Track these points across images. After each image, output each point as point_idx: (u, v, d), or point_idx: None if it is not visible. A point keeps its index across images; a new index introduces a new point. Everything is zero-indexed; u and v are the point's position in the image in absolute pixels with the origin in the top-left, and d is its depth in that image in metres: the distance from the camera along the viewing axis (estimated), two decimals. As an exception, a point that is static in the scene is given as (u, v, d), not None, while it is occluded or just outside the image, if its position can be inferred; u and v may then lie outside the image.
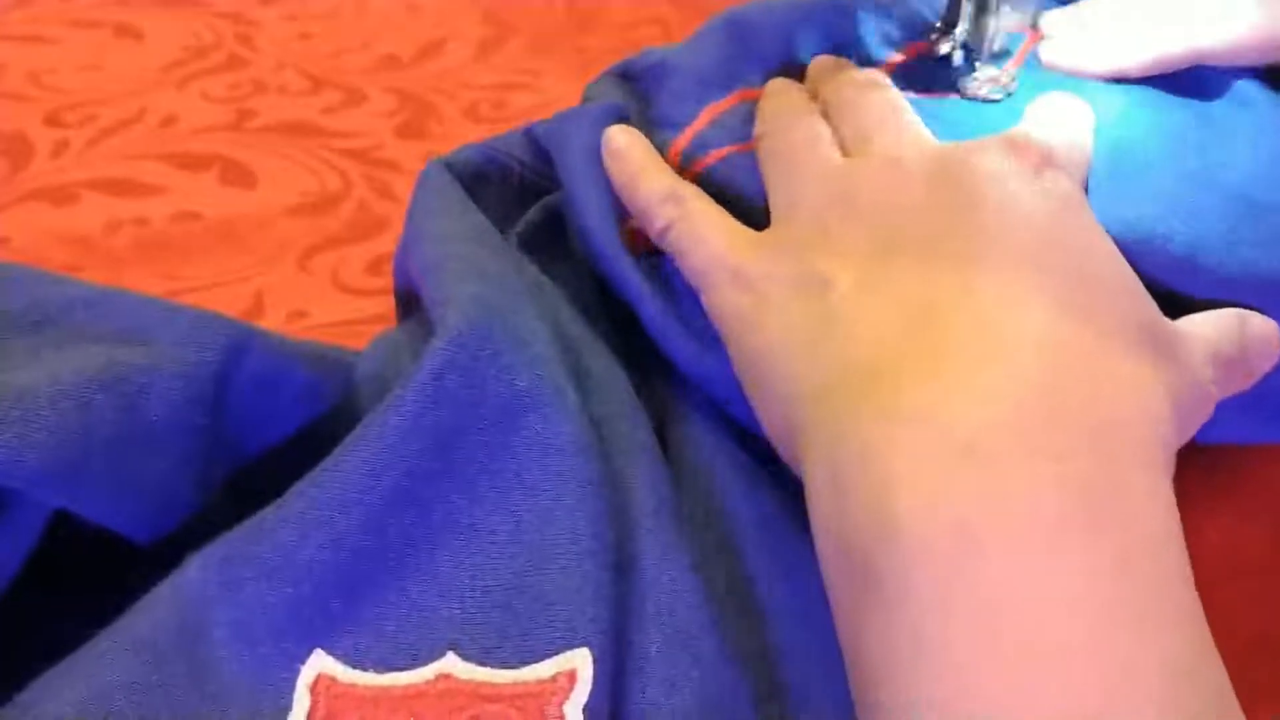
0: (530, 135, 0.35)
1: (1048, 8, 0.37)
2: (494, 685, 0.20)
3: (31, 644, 0.21)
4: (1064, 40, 0.34)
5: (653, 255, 0.31)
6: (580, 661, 0.20)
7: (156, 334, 0.24)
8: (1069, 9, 0.35)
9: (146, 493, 0.22)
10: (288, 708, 0.20)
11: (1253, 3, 0.30)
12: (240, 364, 0.24)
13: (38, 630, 0.21)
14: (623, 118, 0.33)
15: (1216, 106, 0.31)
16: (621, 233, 0.31)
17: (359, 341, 0.32)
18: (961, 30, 0.35)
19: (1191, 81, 0.31)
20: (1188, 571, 0.19)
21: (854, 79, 0.31)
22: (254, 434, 0.25)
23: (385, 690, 0.20)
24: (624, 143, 0.31)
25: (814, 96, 0.32)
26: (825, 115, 0.30)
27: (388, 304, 0.40)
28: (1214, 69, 0.31)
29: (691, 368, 0.28)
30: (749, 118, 0.32)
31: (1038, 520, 0.19)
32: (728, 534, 0.25)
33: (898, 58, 0.36)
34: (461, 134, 0.53)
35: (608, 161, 0.31)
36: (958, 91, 0.35)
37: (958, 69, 0.35)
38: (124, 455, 0.22)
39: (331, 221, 0.46)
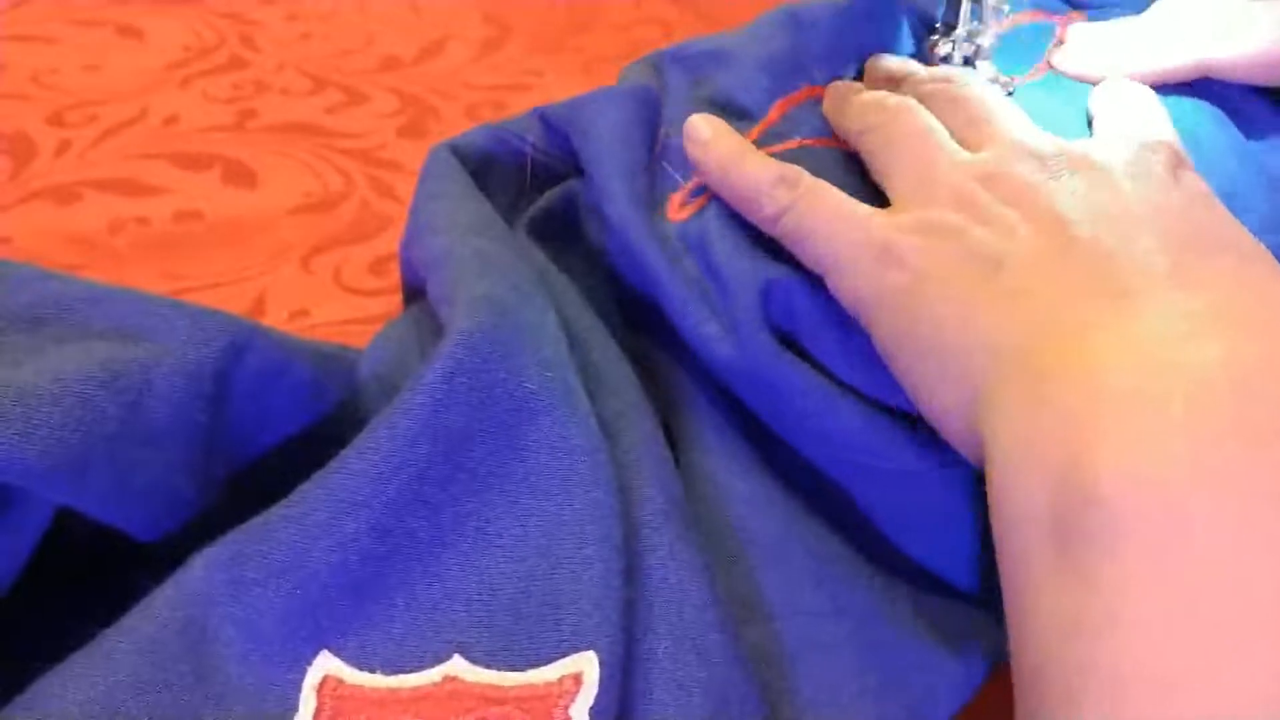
0: (543, 118, 0.34)
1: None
2: (500, 688, 0.20)
3: (35, 642, 0.21)
4: (1076, 47, 0.34)
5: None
6: (587, 664, 0.20)
7: (158, 331, 0.24)
8: (1094, 24, 0.35)
9: (148, 490, 0.22)
10: (294, 708, 0.19)
11: (1268, 21, 0.30)
12: (242, 361, 0.24)
13: (41, 628, 0.21)
14: (650, 100, 0.32)
15: (1203, 126, 0.31)
16: (659, 209, 0.30)
17: (361, 341, 0.31)
18: (961, 30, 0.35)
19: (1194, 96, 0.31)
20: None
21: (937, 76, 0.31)
22: (256, 432, 0.25)
23: (392, 692, 0.20)
24: (710, 131, 0.30)
25: None
26: None
27: (390, 304, 0.40)
28: (1222, 86, 0.31)
29: (713, 352, 0.28)
30: (813, 114, 0.32)
31: (1250, 501, 0.18)
32: (737, 535, 0.25)
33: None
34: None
35: (694, 151, 0.30)
36: None
37: (957, 69, 0.35)
38: (126, 452, 0.22)
39: (333, 221, 0.46)
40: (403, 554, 0.21)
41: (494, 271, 0.26)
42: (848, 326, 0.26)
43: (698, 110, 0.31)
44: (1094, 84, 0.33)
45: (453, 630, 0.21)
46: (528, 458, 0.22)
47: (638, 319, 0.30)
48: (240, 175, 0.48)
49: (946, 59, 0.35)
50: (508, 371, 0.23)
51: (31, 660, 0.20)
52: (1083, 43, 0.34)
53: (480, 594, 0.21)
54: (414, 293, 0.33)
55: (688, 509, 0.24)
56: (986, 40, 0.35)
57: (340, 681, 0.20)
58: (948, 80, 0.30)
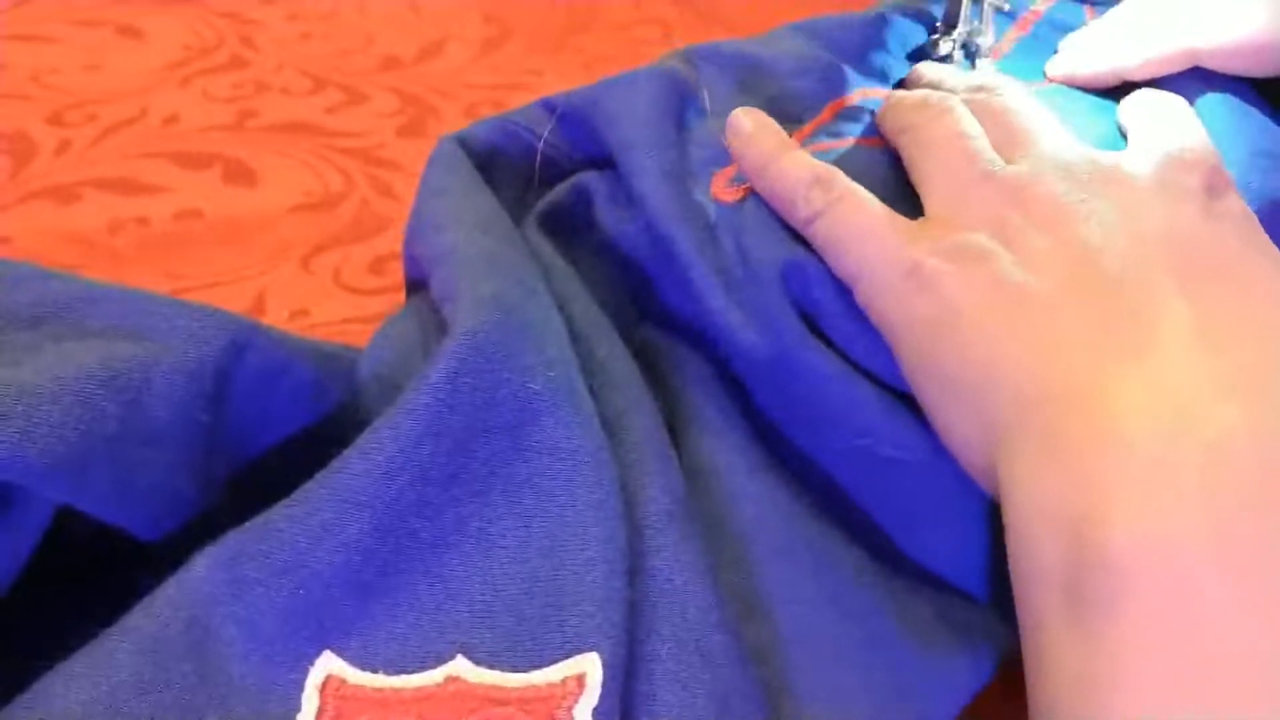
0: (555, 108, 0.34)
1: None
2: (503, 688, 0.20)
3: (36, 642, 0.20)
4: (1062, 53, 0.34)
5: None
6: (589, 665, 0.20)
7: (159, 330, 0.24)
8: (1084, 29, 0.35)
9: (149, 489, 0.22)
10: (296, 708, 0.19)
11: (1259, 6, 0.30)
12: (243, 360, 0.24)
13: (42, 628, 0.21)
14: (678, 81, 0.32)
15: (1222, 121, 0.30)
16: (701, 185, 0.30)
17: (361, 340, 0.31)
18: (962, 30, 0.35)
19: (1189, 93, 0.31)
20: None
21: (979, 85, 0.31)
22: (257, 430, 0.25)
23: (395, 692, 0.20)
24: (752, 125, 0.29)
25: None
26: None
27: (390, 303, 0.40)
28: (1215, 79, 0.31)
29: (734, 339, 0.27)
30: (859, 117, 0.32)
31: (1259, 573, 0.18)
32: (740, 535, 0.25)
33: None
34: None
35: (735, 145, 0.29)
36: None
37: (995, 77, 0.35)
38: (126, 451, 0.22)
39: (333, 221, 0.46)
40: (405, 554, 0.21)
41: (499, 269, 0.26)
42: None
43: (745, 104, 0.31)
44: (1088, 88, 0.33)
45: (456, 630, 0.20)
46: (531, 458, 0.22)
47: (650, 310, 0.30)
48: (240, 175, 0.48)
49: (946, 59, 0.35)
50: (511, 371, 0.23)
51: (33, 660, 0.20)
52: (1068, 47, 0.34)
53: (483, 594, 0.21)
54: (416, 287, 0.32)
55: (691, 508, 0.24)
56: (986, 41, 0.35)
57: (343, 681, 0.20)
58: (988, 89, 0.30)
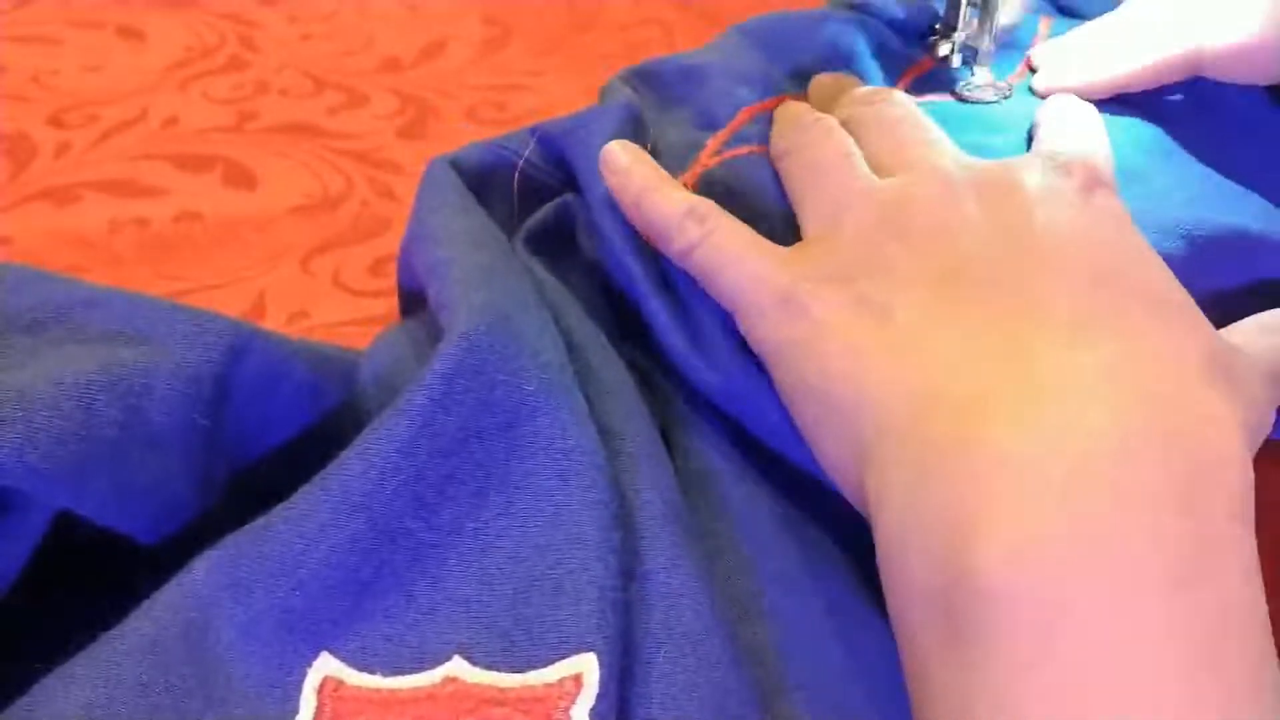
0: (538, 134, 0.35)
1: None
2: (500, 689, 0.20)
3: (36, 644, 0.21)
4: (1054, 66, 0.34)
5: None
6: (586, 666, 0.20)
7: (157, 334, 0.24)
8: (1054, 40, 0.35)
9: (148, 493, 0.22)
10: (295, 710, 0.20)
11: (1259, 12, 0.30)
12: (242, 364, 0.24)
13: (42, 630, 0.21)
14: (636, 117, 0.32)
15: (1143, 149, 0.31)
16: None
17: (361, 342, 0.31)
18: (961, 33, 0.35)
19: (1189, 106, 0.31)
20: (1269, 633, 0.19)
21: (871, 95, 0.31)
22: (256, 434, 0.25)
23: (392, 693, 0.20)
24: (627, 160, 0.29)
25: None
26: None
27: (390, 305, 0.40)
28: (1217, 88, 0.31)
29: (698, 377, 0.28)
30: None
31: (1128, 581, 0.18)
32: (734, 538, 0.25)
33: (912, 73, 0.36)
34: (463, 135, 0.53)
35: (610, 180, 0.29)
36: (954, 94, 0.35)
37: (956, 72, 0.35)
38: (126, 455, 0.22)
39: (333, 222, 0.46)
40: (402, 555, 0.21)
41: (495, 281, 0.26)
42: None
43: (672, 131, 0.31)
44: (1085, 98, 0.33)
45: (452, 631, 0.21)
46: (526, 459, 0.22)
47: (633, 330, 0.30)
48: (240, 176, 0.48)
49: (946, 60, 0.36)
50: (507, 373, 0.23)
51: (32, 662, 0.20)
52: (1052, 60, 0.34)
53: (480, 595, 0.21)
54: (411, 302, 0.33)
55: (686, 511, 0.24)
56: (985, 43, 0.35)
57: (340, 683, 0.20)
58: (879, 99, 0.30)
